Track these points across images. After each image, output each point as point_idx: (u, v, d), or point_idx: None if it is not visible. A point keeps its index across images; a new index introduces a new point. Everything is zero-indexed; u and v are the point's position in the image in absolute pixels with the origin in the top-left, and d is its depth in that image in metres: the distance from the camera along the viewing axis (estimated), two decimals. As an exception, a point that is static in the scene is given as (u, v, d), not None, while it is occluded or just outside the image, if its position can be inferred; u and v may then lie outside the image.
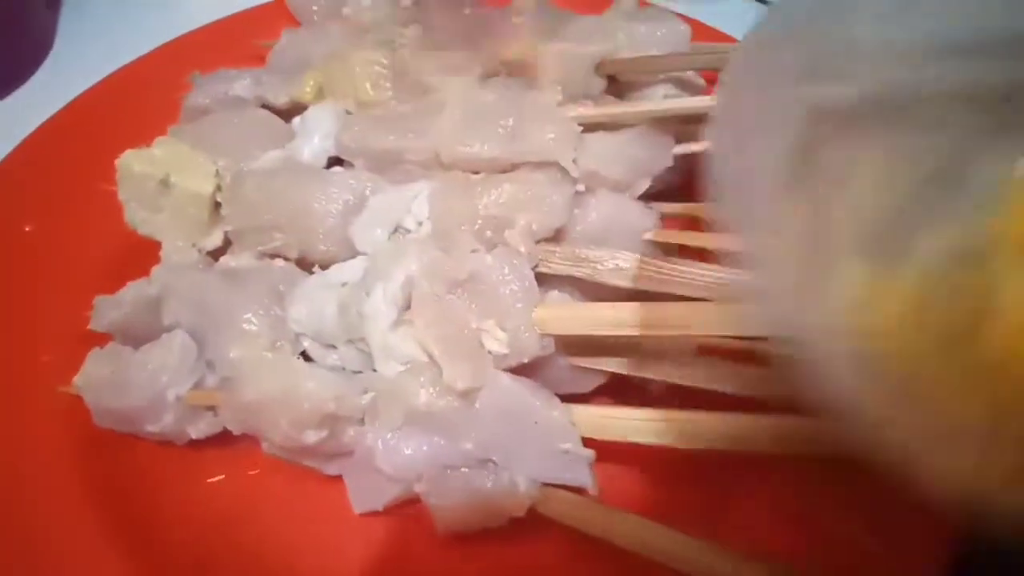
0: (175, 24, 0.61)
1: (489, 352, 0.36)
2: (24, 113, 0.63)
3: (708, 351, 0.38)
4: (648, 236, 0.41)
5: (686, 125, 0.44)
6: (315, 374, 0.36)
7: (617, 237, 0.41)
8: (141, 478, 0.42)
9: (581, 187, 0.41)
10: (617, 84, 0.46)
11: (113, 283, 0.43)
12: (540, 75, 0.44)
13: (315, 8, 0.56)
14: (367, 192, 0.40)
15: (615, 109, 0.42)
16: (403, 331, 0.37)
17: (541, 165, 0.40)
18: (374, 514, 0.39)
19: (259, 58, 0.55)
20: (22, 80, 0.66)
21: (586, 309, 0.37)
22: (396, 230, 0.40)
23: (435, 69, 0.46)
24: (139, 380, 0.39)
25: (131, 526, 0.40)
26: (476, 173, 0.41)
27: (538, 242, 0.39)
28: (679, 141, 0.43)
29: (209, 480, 0.43)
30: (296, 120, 0.48)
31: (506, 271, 0.36)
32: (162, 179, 0.42)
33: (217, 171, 0.43)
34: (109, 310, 0.41)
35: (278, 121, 0.48)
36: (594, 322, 0.36)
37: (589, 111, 0.41)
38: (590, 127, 0.41)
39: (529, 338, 0.35)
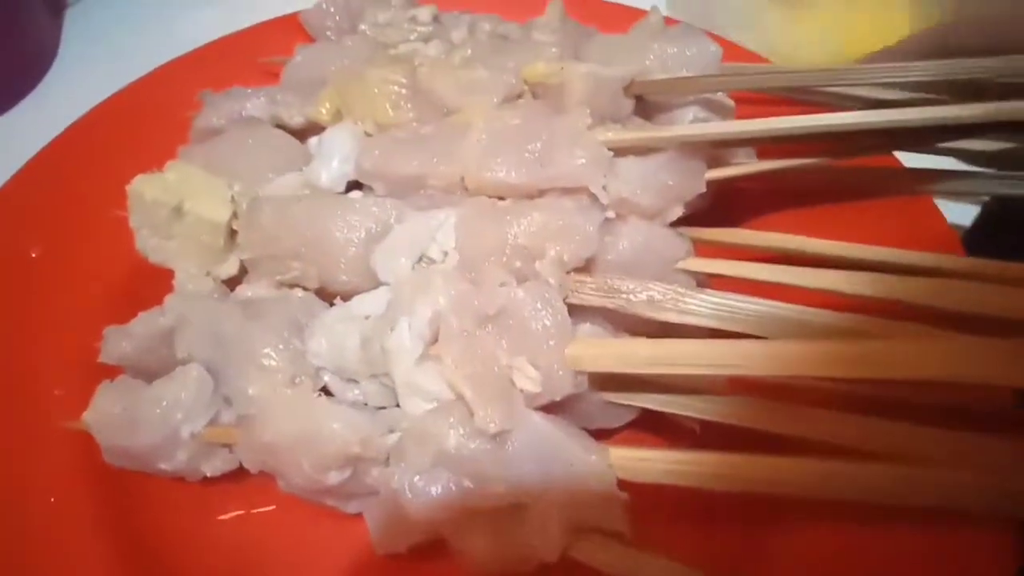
0: (182, 36, 0.60)
1: (521, 391, 0.34)
2: (28, 127, 0.62)
3: (744, 388, 0.37)
4: (681, 265, 0.40)
5: (717, 149, 0.43)
6: (339, 414, 0.35)
7: (649, 266, 0.39)
8: (153, 515, 0.41)
9: (611, 214, 0.39)
10: (644, 105, 0.45)
11: (125, 311, 0.41)
12: (566, 96, 0.42)
13: (330, 24, 0.54)
14: (391, 220, 0.39)
15: (646, 133, 0.40)
16: (429, 367, 0.36)
17: (570, 191, 0.39)
18: (396, 555, 0.38)
19: (271, 74, 0.53)
20: (25, 93, 0.65)
21: (622, 346, 0.36)
22: (420, 259, 0.38)
23: (456, 89, 0.44)
24: (152, 417, 0.37)
25: (142, 564, 0.39)
26: (502, 199, 0.40)
27: (568, 272, 0.38)
28: (710, 165, 0.42)
29: (222, 517, 0.41)
30: (312, 141, 0.46)
31: (538, 306, 0.34)
32: (175, 206, 0.40)
33: (233, 197, 0.41)
34: (119, 342, 0.39)
35: (294, 142, 0.46)
36: (630, 360, 0.34)
37: (620, 135, 0.40)
38: (619, 151, 0.40)
39: (563, 377, 0.34)
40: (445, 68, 0.45)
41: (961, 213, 0.49)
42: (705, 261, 0.41)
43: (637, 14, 0.49)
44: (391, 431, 0.36)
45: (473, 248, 0.38)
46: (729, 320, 0.36)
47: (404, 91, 0.45)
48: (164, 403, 0.37)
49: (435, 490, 0.34)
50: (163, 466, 0.38)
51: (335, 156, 0.43)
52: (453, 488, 0.34)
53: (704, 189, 0.41)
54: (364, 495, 0.37)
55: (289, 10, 0.58)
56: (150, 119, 0.52)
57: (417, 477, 0.34)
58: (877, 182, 0.45)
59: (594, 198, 0.38)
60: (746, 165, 0.43)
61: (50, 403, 0.42)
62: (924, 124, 0.37)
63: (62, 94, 0.66)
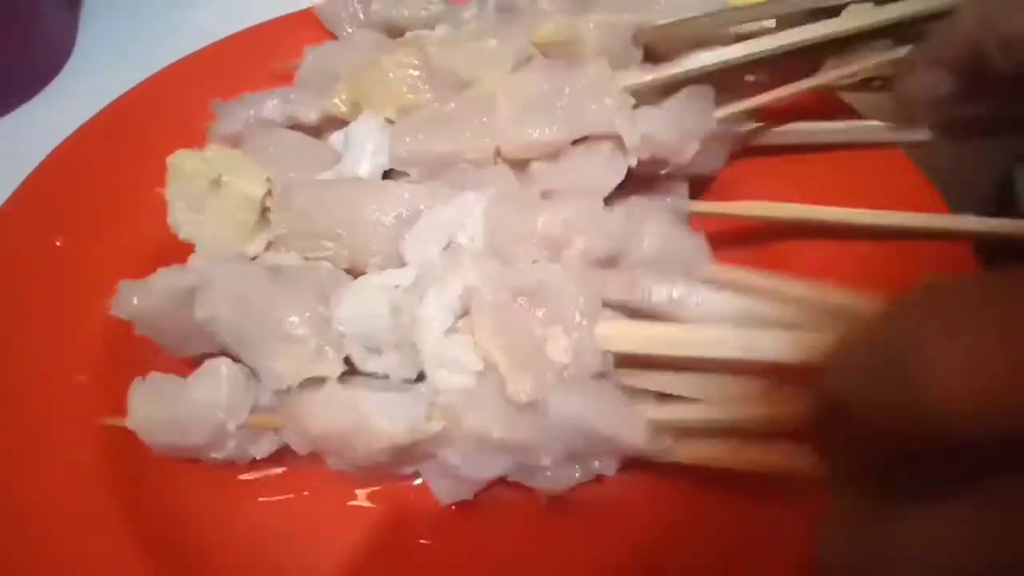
0: (200, 30, 0.59)
1: (553, 361, 0.34)
2: (45, 119, 0.61)
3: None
4: (702, 273, 0.39)
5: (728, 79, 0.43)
6: (383, 405, 0.35)
7: (670, 267, 0.39)
8: (187, 501, 0.40)
9: (633, 161, 0.40)
10: (653, 58, 0.44)
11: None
12: (579, 50, 0.43)
13: (345, 15, 0.54)
14: (421, 207, 0.39)
15: (662, 72, 0.42)
16: (457, 339, 0.36)
17: (597, 140, 0.40)
18: (446, 533, 0.39)
19: (286, 78, 0.51)
20: (42, 86, 0.65)
21: (653, 328, 0.35)
22: (448, 245, 0.39)
23: (469, 61, 0.44)
24: (195, 418, 0.37)
25: (176, 552, 0.38)
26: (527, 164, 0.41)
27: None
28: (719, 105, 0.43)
29: (263, 500, 0.41)
30: (336, 137, 0.46)
31: (572, 284, 0.35)
32: (214, 179, 0.41)
33: (268, 178, 0.42)
34: (134, 295, 0.38)
35: (318, 143, 0.46)
36: (660, 341, 0.34)
37: (638, 78, 0.42)
38: (635, 97, 0.41)
39: (593, 354, 0.34)
40: (455, 44, 0.45)
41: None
42: (722, 268, 0.40)
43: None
44: (432, 406, 0.36)
45: (501, 234, 0.38)
46: (748, 321, 0.35)
47: (419, 72, 0.45)
48: (203, 405, 0.37)
49: (487, 467, 0.36)
50: (215, 455, 0.39)
51: (367, 148, 0.43)
52: (503, 461, 0.36)
53: (715, 125, 0.42)
54: (420, 461, 0.38)
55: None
56: (169, 113, 0.52)
57: (468, 458, 0.36)
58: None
59: (619, 144, 0.40)
60: (753, 99, 0.43)
61: (73, 389, 0.42)
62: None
63: (79, 87, 0.65)
